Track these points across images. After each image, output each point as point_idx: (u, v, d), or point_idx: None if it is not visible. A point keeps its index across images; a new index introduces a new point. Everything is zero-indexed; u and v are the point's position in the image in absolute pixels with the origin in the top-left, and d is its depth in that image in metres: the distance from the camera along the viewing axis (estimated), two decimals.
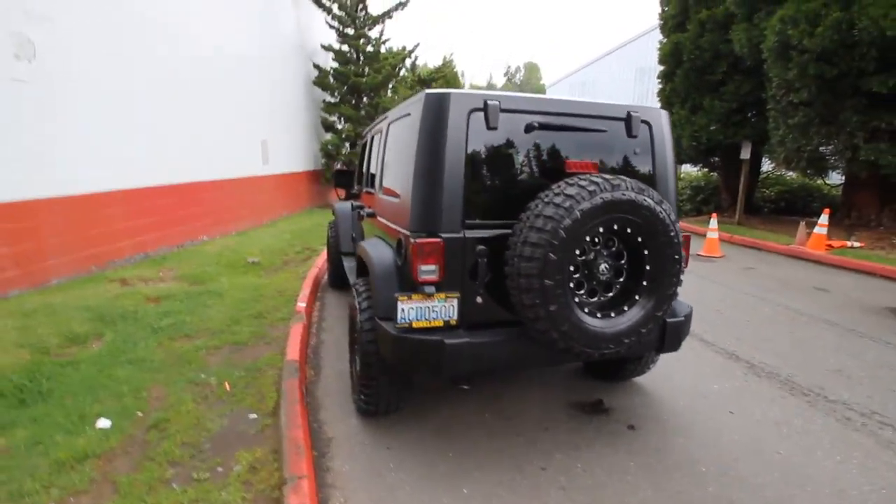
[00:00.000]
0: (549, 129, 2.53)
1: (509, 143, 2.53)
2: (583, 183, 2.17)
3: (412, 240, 2.35)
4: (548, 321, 2.16)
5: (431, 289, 2.38)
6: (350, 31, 12.30)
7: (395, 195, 2.76)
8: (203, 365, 3.55)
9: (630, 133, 2.70)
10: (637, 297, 2.34)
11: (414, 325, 2.38)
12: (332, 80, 12.07)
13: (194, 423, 2.82)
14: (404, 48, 13.50)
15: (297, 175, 11.90)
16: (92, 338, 3.89)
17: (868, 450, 2.70)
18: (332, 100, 12.68)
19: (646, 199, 2.21)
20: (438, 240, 2.35)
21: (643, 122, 2.71)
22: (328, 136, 12.72)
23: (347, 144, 12.49)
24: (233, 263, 6.71)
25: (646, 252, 2.30)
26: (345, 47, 12.68)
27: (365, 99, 12.45)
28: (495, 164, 2.50)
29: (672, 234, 2.29)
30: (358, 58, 12.52)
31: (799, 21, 7.34)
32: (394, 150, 2.92)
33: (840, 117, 7.44)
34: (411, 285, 2.41)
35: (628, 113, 2.70)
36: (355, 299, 2.86)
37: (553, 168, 2.49)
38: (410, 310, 2.36)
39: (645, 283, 2.33)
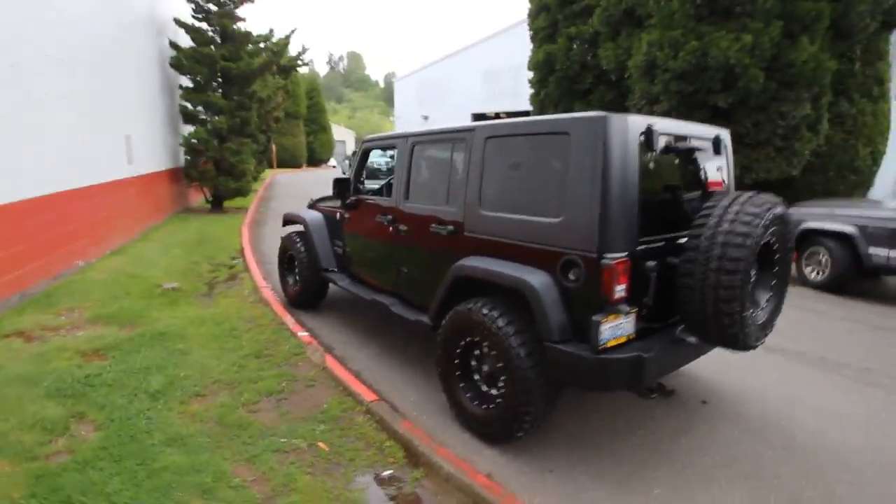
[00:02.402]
0: (681, 151, 2.76)
1: (662, 163, 2.68)
2: (758, 201, 2.45)
3: (605, 260, 2.35)
4: (741, 323, 2.40)
5: (625, 307, 2.41)
6: (213, 6, 10.54)
7: (540, 214, 2.65)
8: (262, 427, 2.89)
9: (717, 151, 3.08)
10: (770, 294, 2.72)
11: (609, 344, 2.39)
12: (193, 62, 10.21)
13: (334, 499, 2.34)
14: (271, 31, 12.11)
15: (160, 175, 9.87)
16: (73, 422, 2.80)
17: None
18: (193, 85, 10.77)
19: (787, 212, 2.60)
20: (627, 258, 2.39)
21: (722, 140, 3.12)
22: (191, 129, 10.80)
23: (216, 140, 10.80)
24: (147, 293, 5.38)
25: (776, 255, 2.70)
26: (204, 25, 10.85)
27: (235, 87, 10.86)
28: (655, 182, 2.62)
29: (791, 240, 2.73)
30: (223, 38, 10.83)
31: (664, 45, 8.92)
32: (528, 168, 2.77)
33: None
34: (596, 305, 2.39)
35: (717, 135, 3.08)
36: (495, 323, 2.67)
37: (697, 185, 2.72)
38: (607, 330, 2.37)
39: (774, 281, 2.73)
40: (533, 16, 12.91)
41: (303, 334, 4.26)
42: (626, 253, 2.41)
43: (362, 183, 4.53)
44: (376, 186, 4.72)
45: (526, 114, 21.78)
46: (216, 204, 11.77)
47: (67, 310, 4.70)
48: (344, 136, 53.84)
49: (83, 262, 6.19)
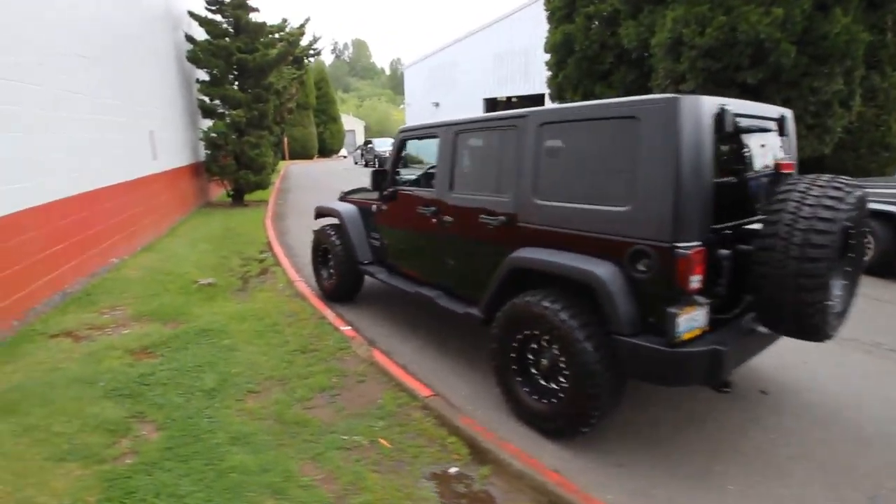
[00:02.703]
0: (753, 131, 2.64)
1: (734, 147, 2.57)
2: (838, 184, 2.34)
3: (680, 249, 2.26)
4: (822, 313, 2.31)
5: (702, 298, 2.33)
6: None
7: (603, 203, 2.57)
8: (321, 424, 2.88)
9: (782, 132, 2.96)
10: (846, 281, 2.62)
11: (685, 337, 2.32)
12: (209, 55, 10.14)
13: (405, 497, 2.31)
14: (284, 20, 11.96)
15: (182, 170, 9.88)
16: (134, 423, 2.81)
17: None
18: (210, 79, 10.71)
19: (865, 194, 2.48)
20: (703, 248, 2.30)
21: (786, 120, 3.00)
22: (210, 123, 10.77)
23: (236, 134, 10.76)
24: (184, 289, 5.40)
25: (852, 241, 2.59)
26: (218, 17, 10.74)
27: (251, 79, 10.78)
28: (726, 166, 2.52)
29: (866, 224, 2.62)
30: (237, 30, 10.72)
31: (690, 22, 8.65)
32: (589, 154, 2.67)
33: None
34: (670, 297, 2.31)
35: (782, 115, 2.95)
36: (558, 316, 2.61)
37: (770, 168, 2.61)
38: (683, 322, 2.30)
39: (849, 268, 2.63)
40: None
41: (346, 328, 4.24)
42: (700, 241, 2.33)
43: (398, 174, 4.46)
44: (413, 177, 4.65)
45: (539, 98, 21.47)
46: (237, 198, 11.79)
47: (109, 308, 4.73)
48: (353, 126, 53.64)
49: (117, 260, 6.23)
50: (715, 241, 2.40)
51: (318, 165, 29.43)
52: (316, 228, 5.56)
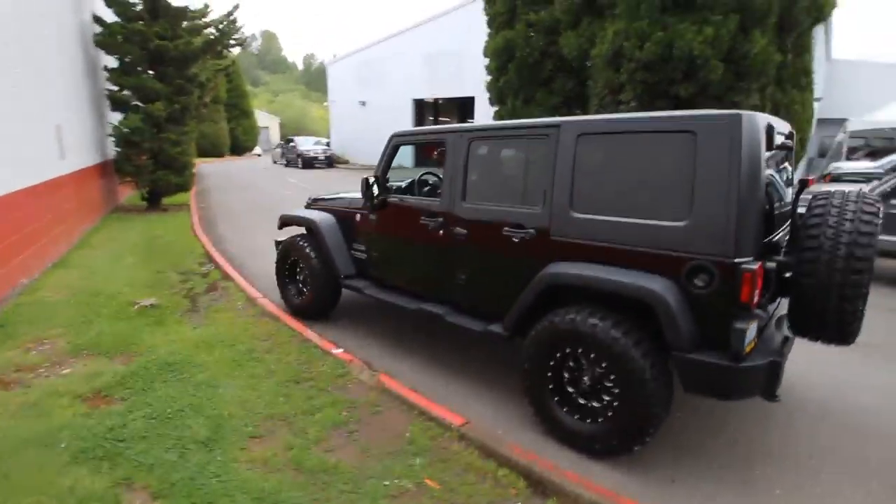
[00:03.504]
0: (788, 147, 2.74)
1: (770, 162, 2.63)
2: (870, 199, 2.47)
3: (745, 265, 2.27)
4: (859, 320, 2.44)
5: (762, 312, 2.35)
6: None
7: (655, 217, 2.51)
8: (351, 469, 2.54)
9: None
10: None
11: (747, 350, 2.33)
12: (122, 40, 8.87)
13: None
14: (206, 6, 10.81)
15: (91, 171, 8.55)
16: (123, 493, 2.27)
17: None
18: (120, 66, 9.38)
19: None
20: (761, 262, 2.33)
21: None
22: (123, 117, 9.44)
23: (153, 129, 9.54)
24: (122, 313, 4.63)
25: None
26: None
27: (172, 69, 9.61)
28: (771, 182, 2.58)
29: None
30: (154, 13, 9.50)
31: (630, 36, 9.12)
32: (636, 167, 2.59)
33: None
34: (731, 311, 2.31)
35: (790, 131, 3.11)
36: (608, 334, 2.52)
37: (799, 183, 2.71)
38: (747, 337, 2.30)
39: None
40: (489, 1, 12.72)
41: (338, 351, 3.85)
42: (756, 256, 2.35)
43: (388, 181, 4.14)
44: (401, 184, 4.35)
45: (470, 101, 21.69)
46: (153, 201, 10.50)
47: (35, 341, 3.89)
48: (268, 123, 50.78)
49: (27, 280, 5.19)
50: (764, 255, 2.45)
51: (231, 164, 27.45)
52: (280, 239, 5.05)
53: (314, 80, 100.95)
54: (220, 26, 9.75)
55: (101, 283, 5.44)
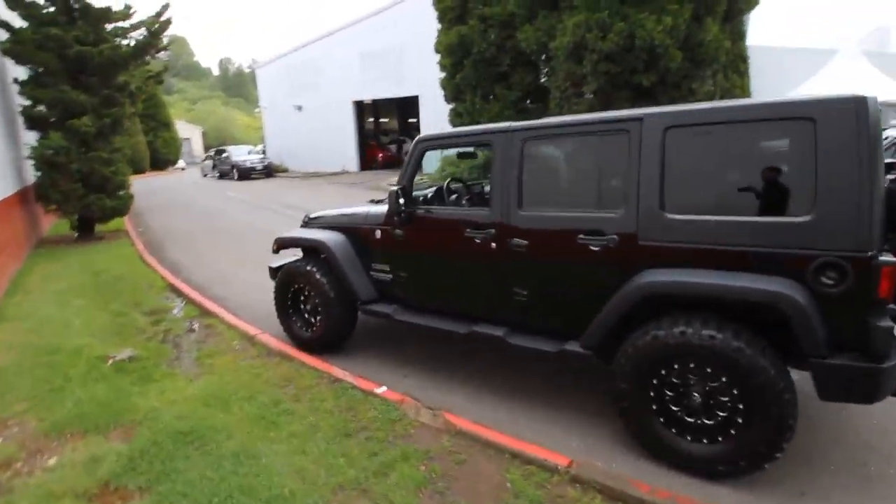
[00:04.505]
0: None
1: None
2: None
3: (881, 259, 2.12)
4: None
5: (893, 307, 2.21)
6: None
7: (769, 213, 2.30)
8: None
9: None
10: None
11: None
12: (34, 47, 7.59)
13: None
14: (128, 7, 9.57)
15: (8, 202, 7.27)
16: None
17: None
18: (34, 78, 8.06)
19: None
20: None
21: None
22: (41, 136, 8.12)
23: (81, 148, 8.31)
24: (94, 371, 3.85)
25: None
26: None
27: (98, 78, 8.39)
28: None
29: None
30: (69, 16, 8.24)
31: (592, 27, 9.13)
32: (741, 160, 2.36)
33: (614, 104, 9.78)
34: (866, 310, 2.15)
35: None
36: (729, 345, 2.30)
37: (888, 168, 2.61)
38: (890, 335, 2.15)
39: None
40: None
41: (381, 390, 3.37)
42: (886, 247, 2.21)
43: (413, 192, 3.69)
44: (424, 194, 3.91)
45: (413, 100, 21.21)
46: (85, 230, 9.21)
47: (9, 419, 3.08)
48: (189, 133, 47.37)
49: None
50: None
51: (156, 181, 25.30)
52: (277, 265, 4.46)
53: (234, 85, 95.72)
54: (152, 28, 8.63)
55: (56, 336, 4.53)
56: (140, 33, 8.74)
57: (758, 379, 2.27)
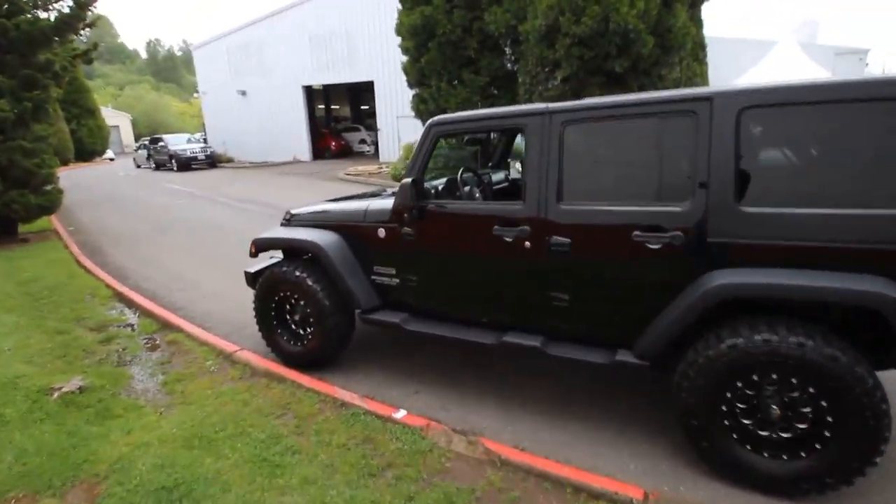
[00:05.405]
0: None
1: None
2: None
3: None
4: None
5: None
6: None
7: (873, 206, 2.05)
8: None
9: None
10: None
11: None
12: None
13: None
14: None
15: None
16: None
17: None
18: None
19: None
20: None
21: None
22: None
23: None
24: (37, 409, 3.15)
25: None
26: None
27: (16, 56, 7.16)
28: None
29: None
30: None
31: (565, 10, 8.84)
32: (847, 144, 2.08)
33: (586, 91, 9.61)
34: None
35: None
36: (824, 352, 2.05)
37: None
38: None
39: None
40: None
41: (400, 415, 2.92)
42: None
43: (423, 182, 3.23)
44: (436, 186, 3.45)
45: (368, 85, 20.33)
46: (7, 231, 8.00)
47: None
48: (117, 121, 43.66)
49: None
50: None
51: (84, 173, 23.16)
52: (254, 269, 3.88)
53: (164, 69, 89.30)
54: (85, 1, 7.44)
55: None
56: (64, 4, 7.55)
57: (853, 389, 2.04)
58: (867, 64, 20.22)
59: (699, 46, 11.85)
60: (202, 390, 3.40)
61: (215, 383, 3.49)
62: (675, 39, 9.24)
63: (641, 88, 9.58)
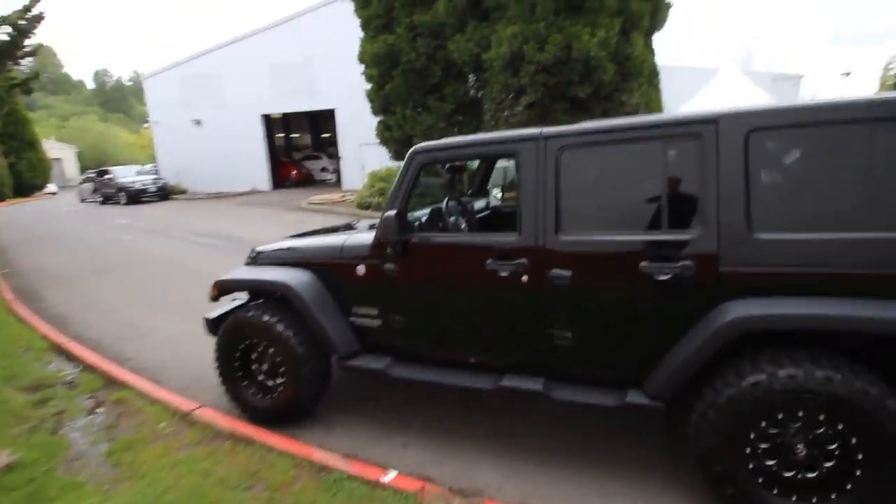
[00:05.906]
0: None
1: None
2: None
3: None
4: None
5: None
6: None
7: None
8: None
9: None
10: None
11: None
12: None
13: None
14: None
15: None
16: None
17: None
18: None
19: None
20: None
21: None
22: None
23: None
24: None
25: None
26: None
27: None
28: None
29: None
30: None
31: (528, 38, 8.95)
32: (864, 165, 1.97)
33: (550, 116, 9.72)
34: None
35: None
36: (854, 386, 1.92)
37: None
38: None
39: None
40: (361, 3, 11.60)
41: (389, 477, 2.57)
42: None
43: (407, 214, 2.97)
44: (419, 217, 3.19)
45: (328, 113, 20.10)
46: None
47: None
48: (60, 154, 41.48)
49: None
50: None
51: (22, 209, 21.70)
52: (214, 315, 3.49)
53: (112, 99, 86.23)
54: (19, 23, 6.84)
55: None
56: (1, 32, 6.96)
57: (885, 424, 1.90)
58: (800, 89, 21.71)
59: (653, 73, 12.32)
60: (155, 460, 2.93)
61: (170, 450, 3.03)
62: (633, 66, 9.52)
63: (605, 114, 9.76)
